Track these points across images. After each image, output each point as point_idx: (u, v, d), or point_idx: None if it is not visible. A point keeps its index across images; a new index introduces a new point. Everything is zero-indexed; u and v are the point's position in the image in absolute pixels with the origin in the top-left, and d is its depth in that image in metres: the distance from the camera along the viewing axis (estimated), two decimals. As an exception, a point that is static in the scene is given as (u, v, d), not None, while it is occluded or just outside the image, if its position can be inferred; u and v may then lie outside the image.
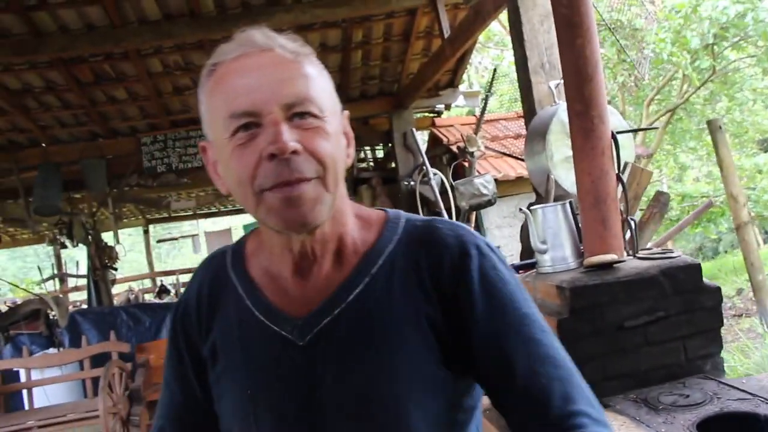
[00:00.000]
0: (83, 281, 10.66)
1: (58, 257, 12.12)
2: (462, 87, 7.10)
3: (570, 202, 2.74)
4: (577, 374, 0.92)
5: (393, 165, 7.19)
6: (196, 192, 10.58)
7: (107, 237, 9.14)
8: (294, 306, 0.94)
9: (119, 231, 8.87)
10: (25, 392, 6.31)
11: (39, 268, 10.96)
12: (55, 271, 12.27)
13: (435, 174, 5.93)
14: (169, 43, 5.39)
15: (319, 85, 0.89)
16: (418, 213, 6.04)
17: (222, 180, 0.93)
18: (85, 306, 10.16)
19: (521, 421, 0.90)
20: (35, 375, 6.29)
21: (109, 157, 6.93)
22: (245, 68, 0.86)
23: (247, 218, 13.89)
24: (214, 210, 14.16)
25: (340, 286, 0.93)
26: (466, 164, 5.37)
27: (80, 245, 9.32)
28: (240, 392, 0.97)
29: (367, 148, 8.47)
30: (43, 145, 6.72)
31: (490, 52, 15.11)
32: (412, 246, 0.94)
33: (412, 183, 6.48)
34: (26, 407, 6.23)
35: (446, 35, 5.04)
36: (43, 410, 5.75)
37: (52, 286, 11.91)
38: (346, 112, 0.97)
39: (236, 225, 14.57)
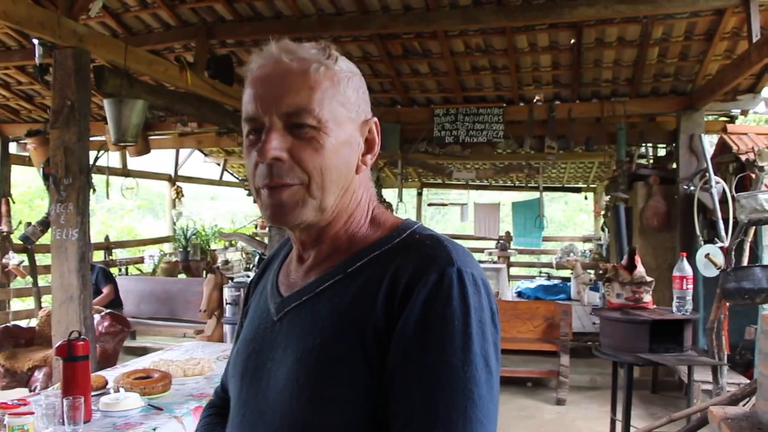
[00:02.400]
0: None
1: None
2: (765, 92, 6.57)
3: None
4: None
5: (674, 166, 6.96)
6: (472, 164, 11.13)
7: (387, 194, 10.09)
8: (285, 286, 1.04)
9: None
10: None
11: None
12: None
13: (717, 182, 5.67)
14: (474, 27, 5.84)
15: (324, 96, 0.92)
16: (693, 219, 5.89)
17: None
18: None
19: None
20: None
21: (403, 123, 7.69)
22: (258, 79, 0.94)
23: (518, 195, 14.13)
24: (485, 183, 14.63)
25: (318, 278, 0.98)
26: (754, 177, 5.07)
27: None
28: (235, 348, 1.11)
29: (649, 145, 8.23)
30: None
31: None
32: (394, 256, 0.93)
33: (692, 188, 6.26)
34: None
35: (755, 38, 4.78)
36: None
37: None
38: (374, 119, 1.00)
39: (504, 200, 14.78)
